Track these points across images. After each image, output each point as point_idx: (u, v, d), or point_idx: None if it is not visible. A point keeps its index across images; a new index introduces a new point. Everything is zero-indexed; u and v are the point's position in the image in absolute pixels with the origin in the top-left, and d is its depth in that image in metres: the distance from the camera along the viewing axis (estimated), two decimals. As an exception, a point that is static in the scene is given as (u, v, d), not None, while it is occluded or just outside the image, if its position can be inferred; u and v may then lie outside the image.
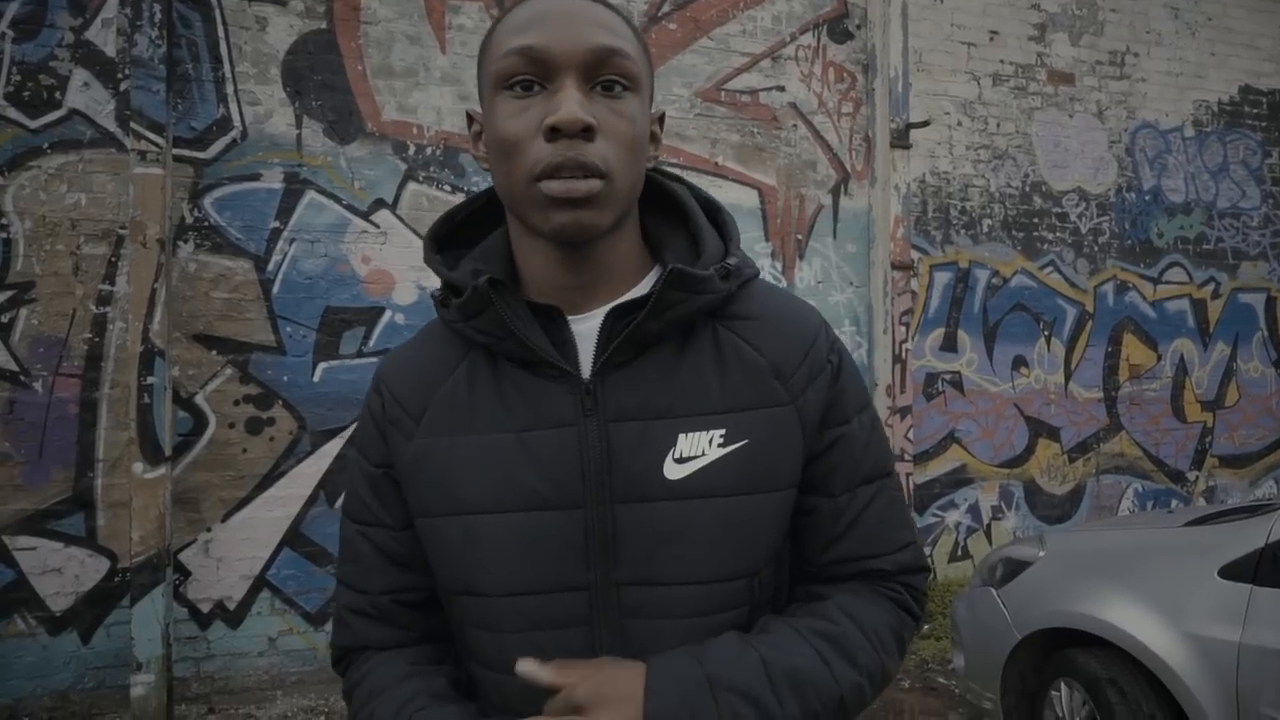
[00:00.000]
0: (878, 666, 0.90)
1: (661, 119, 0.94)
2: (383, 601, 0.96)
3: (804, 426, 0.90)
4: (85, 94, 4.02)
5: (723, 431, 0.87)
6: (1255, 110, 6.58)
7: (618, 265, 0.90)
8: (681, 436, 0.86)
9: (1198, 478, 6.37)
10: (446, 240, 0.97)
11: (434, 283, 3.93)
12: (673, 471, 0.86)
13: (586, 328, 0.88)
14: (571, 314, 0.88)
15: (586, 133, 0.78)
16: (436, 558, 0.91)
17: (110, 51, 4.05)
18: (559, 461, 0.86)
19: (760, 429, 0.88)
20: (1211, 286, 6.44)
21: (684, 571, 0.86)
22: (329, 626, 4.28)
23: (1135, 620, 2.61)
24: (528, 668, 0.81)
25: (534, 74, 0.80)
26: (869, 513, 0.95)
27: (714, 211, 0.96)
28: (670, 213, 0.97)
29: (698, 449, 0.86)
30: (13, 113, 3.93)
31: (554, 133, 0.78)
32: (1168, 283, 6.31)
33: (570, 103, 0.78)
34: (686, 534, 0.86)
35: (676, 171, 1.05)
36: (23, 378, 3.91)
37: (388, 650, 0.97)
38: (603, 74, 0.81)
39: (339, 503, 4.34)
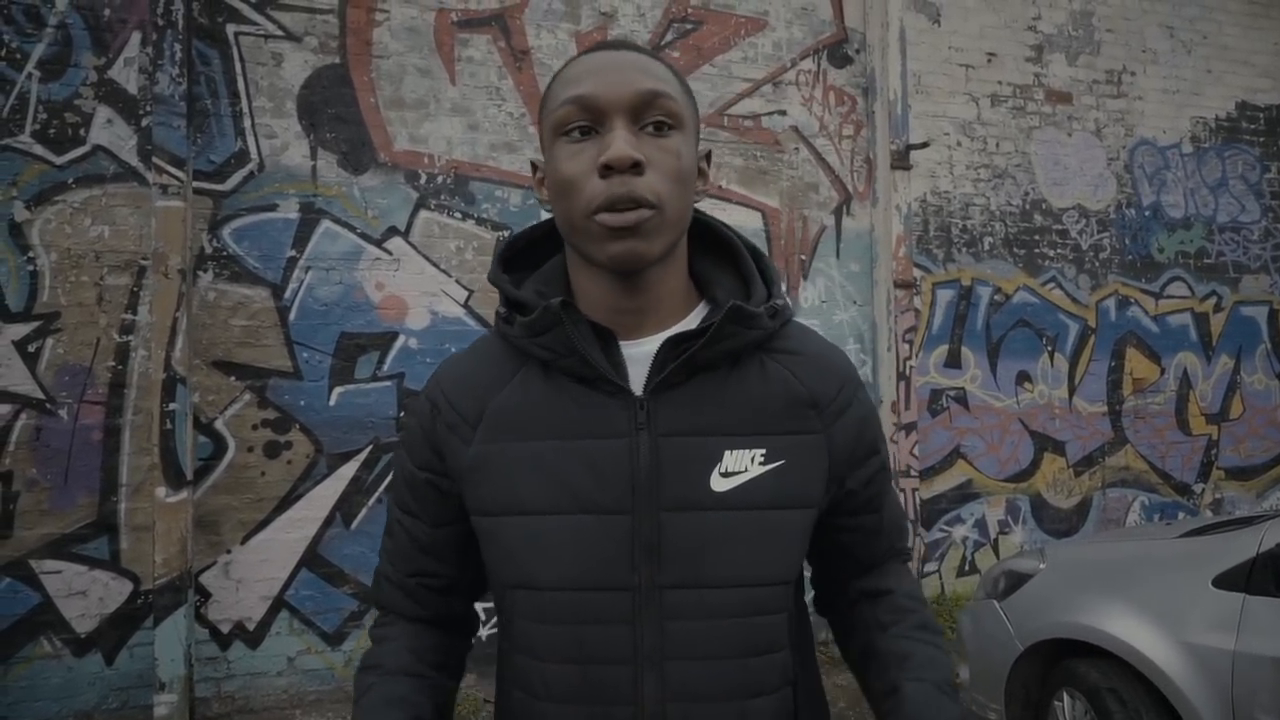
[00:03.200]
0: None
1: (708, 156, 1.03)
2: (409, 582, 1.08)
3: (831, 455, 1.00)
4: (108, 130, 4.16)
5: (763, 451, 0.96)
6: (1253, 126, 6.67)
7: (667, 296, 0.99)
8: (727, 453, 0.95)
9: (1204, 490, 6.40)
10: (509, 264, 1.07)
11: (445, 309, 4.03)
12: (719, 484, 0.94)
13: (639, 352, 0.96)
14: (624, 339, 0.97)
15: (636, 168, 0.87)
16: (494, 553, 0.99)
17: (132, 89, 4.19)
18: (611, 470, 0.93)
19: (795, 452, 0.97)
20: (1214, 300, 6.50)
21: (726, 575, 0.93)
22: (347, 646, 4.38)
23: (1133, 630, 2.67)
24: None
25: (587, 120, 0.90)
26: (891, 510, 1.13)
27: (757, 256, 1.06)
28: (716, 253, 1.07)
29: (741, 465, 0.95)
30: (39, 149, 4.07)
31: (607, 170, 0.87)
32: (1169, 297, 6.37)
33: (620, 142, 0.87)
34: (730, 541, 0.94)
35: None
36: (49, 405, 4.02)
37: (406, 621, 1.10)
38: (649, 115, 0.89)
39: (355, 524, 4.44)
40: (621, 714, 0.92)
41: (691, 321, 1.00)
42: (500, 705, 1.03)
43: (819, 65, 5.57)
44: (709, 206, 5.15)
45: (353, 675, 4.56)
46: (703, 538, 0.93)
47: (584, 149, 0.90)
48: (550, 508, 0.94)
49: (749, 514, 0.94)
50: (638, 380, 0.96)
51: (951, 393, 5.74)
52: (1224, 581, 2.53)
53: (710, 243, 1.07)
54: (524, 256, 1.07)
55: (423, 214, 4.67)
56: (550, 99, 0.94)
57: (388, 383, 4.54)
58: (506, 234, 4.79)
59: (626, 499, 0.93)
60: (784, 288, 5.33)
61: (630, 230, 0.87)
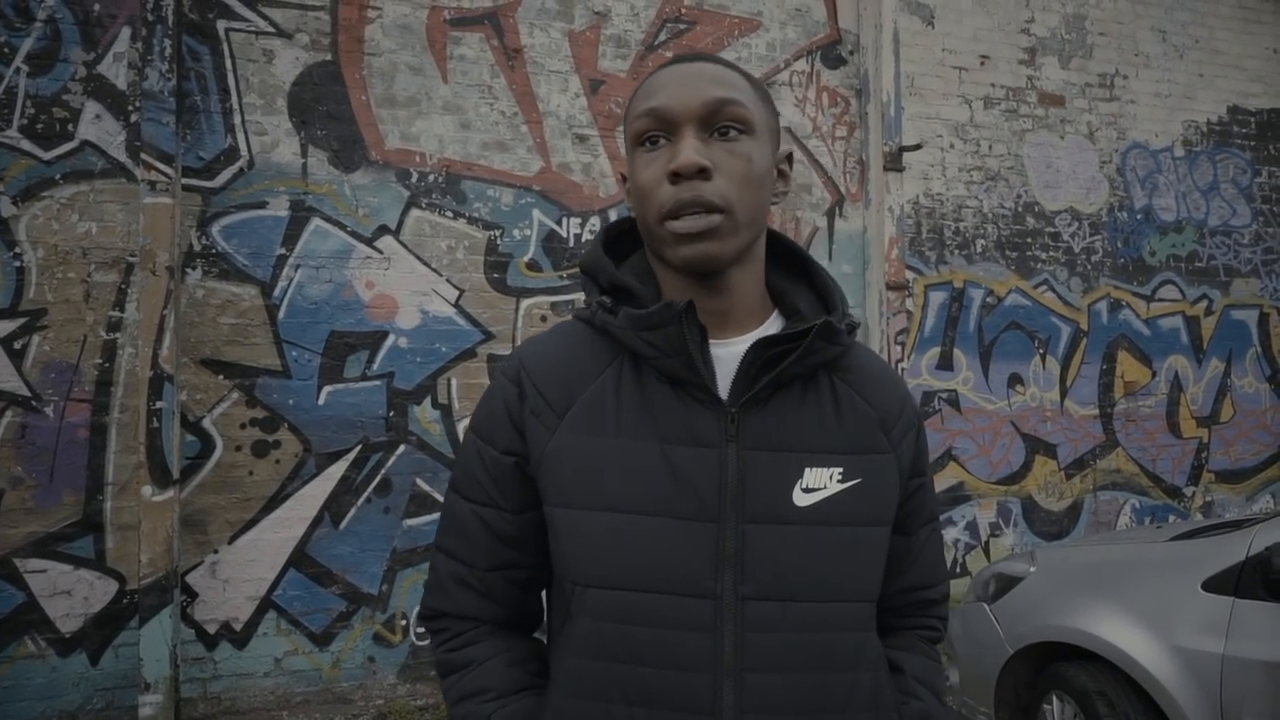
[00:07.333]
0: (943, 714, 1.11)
1: (789, 158, 1.06)
2: (490, 577, 1.04)
3: (900, 474, 1.03)
4: (97, 126, 4.13)
5: (841, 469, 0.98)
6: (1244, 130, 6.68)
7: (746, 299, 1.02)
8: (808, 470, 0.97)
9: (1195, 493, 6.42)
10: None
11: (435, 308, 4.00)
12: (801, 499, 0.96)
13: (726, 353, 0.98)
14: (711, 339, 0.98)
15: (703, 173, 0.91)
16: (570, 548, 0.96)
17: (121, 84, 4.16)
18: (700, 478, 0.94)
19: (869, 471, 1.00)
20: (1204, 303, 6.51)
21: (808, 589, 0.95)
22: (334, 646, 4.34)
23: (1123, 634, 2.67)
24: None
25: (660, 130, 0.95)
26: (927, 550, 1.12)
27: (825, 273, 1.10)
28: (787, 265, 1.10)
29: (820, 482, 0.97)
30: (26, 144, 4.03)
31: (676, 176, 0.91)
32: (1161, 300, 6.39)
33: (687, 149, 0.91)
34: (811, 555, 0.95)
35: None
36: (34, 403, 3.99)
37: (487, 633, 1.05)
38: (718, 122, 0.94)
39: (343, 524, 4.41)
40: None
41: (771, 327, 1.03)
42: (556, 707, 0.97)
43: (812, 66, 5.56)
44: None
45: (340, 678, 4.50)
46: (785, 550, 0.95)
47: (657, 157, 0.94)
48: (635, 507, 0.94)
49: (829, 529, 0.96)
50: (724, 382, 0.97)
51: (943, 395, 5.74)
52: (1213, 585, 2.52)
53: (780, 255, 1.11)
54: (608, 248, 1.10)
55: (414, 213, 4.65)
56: (630, 112, 0.99)
57: (377, 382, 4.51)
58: (499, 233, 4.77)
59: (713, 508, 0.94)
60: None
61: (700, 235, 0.91)
